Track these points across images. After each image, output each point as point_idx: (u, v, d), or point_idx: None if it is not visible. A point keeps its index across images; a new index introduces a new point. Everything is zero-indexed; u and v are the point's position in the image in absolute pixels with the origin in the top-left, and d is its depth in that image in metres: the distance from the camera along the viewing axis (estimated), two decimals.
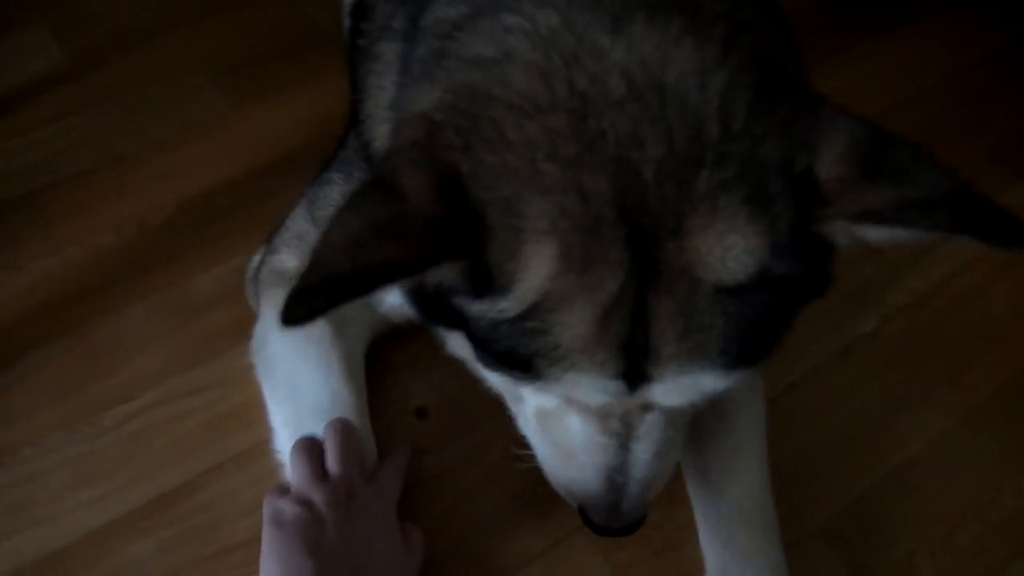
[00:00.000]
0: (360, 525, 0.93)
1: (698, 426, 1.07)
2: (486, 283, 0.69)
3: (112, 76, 1.58)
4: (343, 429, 1.00)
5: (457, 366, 1.07)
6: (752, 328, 0.71)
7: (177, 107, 1.53)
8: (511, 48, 0.72)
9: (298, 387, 1.08)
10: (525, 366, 0.73)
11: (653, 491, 0.88)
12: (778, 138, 0.68)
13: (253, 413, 1.13)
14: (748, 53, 0.71)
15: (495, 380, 0.88)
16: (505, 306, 0.70)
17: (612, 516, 0.87)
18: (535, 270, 0.68)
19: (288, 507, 0.92)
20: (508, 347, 0.73)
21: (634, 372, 0.72)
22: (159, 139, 1.48)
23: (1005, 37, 1.83)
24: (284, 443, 1.07)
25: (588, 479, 0.85)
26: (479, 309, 0.72)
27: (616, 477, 0.84)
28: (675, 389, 0.74)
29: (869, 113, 1.67)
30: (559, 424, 0.85)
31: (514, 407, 0.94)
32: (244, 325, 1.18)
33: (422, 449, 1.13)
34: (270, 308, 1.14)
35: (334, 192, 1.11)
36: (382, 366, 1.19)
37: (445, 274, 0.69)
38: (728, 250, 0.67)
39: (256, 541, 1.03)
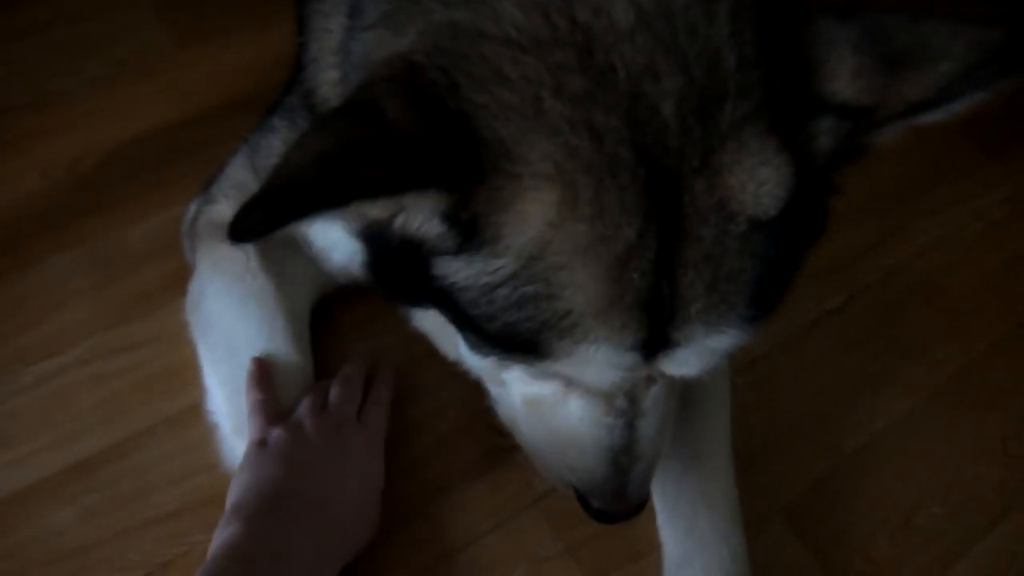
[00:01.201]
0: (341, 458, 0.93)
1: None
2: (473, 232, 0.62)
3: (49, 7, 1.46)
4: (354, 374, 1.03)
5: (408, 330, 1.01)
6: (776, 269, 0.66)
7: (118, 43, 1.43)
8: None
9: (237, 346, 1.01)
10: (529, 346, 0.65)
11: (654, 466, 0.83)
12: (790, 63, 0.64)
13: (187, 374, 1.06)
14: None
15: (477, 364, 0.82)
16: (498, 264, 0.63)
17: (618, 500, 0.82)
18: (533, 218, 0.61)
19: (276, 431, 0.92)
20: (508, 323, 0.65)
21: (655, 338, 0.65)
22: (96, 76, 1.38)
23: (980, 14, 1.79)
24: (219, 404, 1.01)
25: (593, 465, 0.80)
26: (467, 274, 0.65)
27: (622, 459, 0.79)
28: (696, 354, 0.68)
29: None
30: (556, 411, 0.79)
31: (495, 391, 0.88)
32: (180, 280, 1.10)
33: None
34: (207, 261, 1.06)
35: (277, 141, 1.03)
36: (328, 328, 1.12)
37: (423, 218, 0.62)
38: (762, 184, 0.62)
39: (188, 511, 0.99)
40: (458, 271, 0.65)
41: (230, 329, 1.03)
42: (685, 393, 1.01)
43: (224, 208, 1.07)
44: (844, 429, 1.12)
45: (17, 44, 1.41)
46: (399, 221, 0.64)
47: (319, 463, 0.91)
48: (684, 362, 0.69)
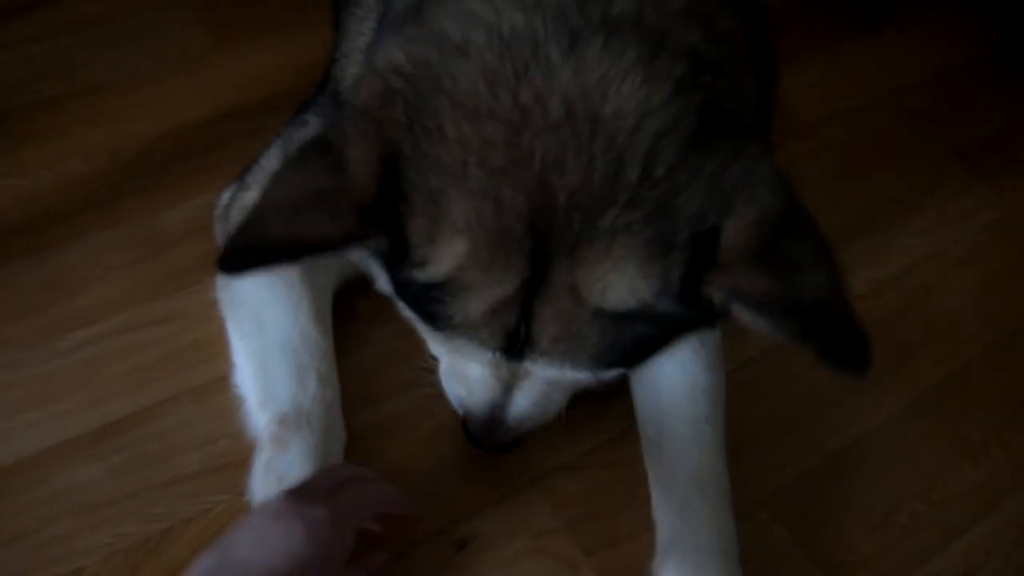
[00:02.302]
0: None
1: (659, 397, 1.09)
2: (402, 255, 0.75)
3: (96, 3, 1.54)
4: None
5: None
6: (627, 347, 0.78)
7: (160, 41, 1.51)
8: (471, 39, 0.74)
9: (265, 324, 1.07)
10: (428, 319, 0.82)
11: (527, 427, 0.96)
12: (699, 191, 0.71)
13: (213, 349, 1.12)
14: (700, 97, 0.73)
15: (407, 315, 0.92)
16: (416, 276, 0.76)
17: (487, 436, 0.96)
18: (447, 259, 0.74)
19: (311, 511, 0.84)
20: (416, 301, 0.81)
21: (513, 352, 0.81)
22: (139, 71, 1.45)
23: (983, 44, 1.87)
24: (245, 378, 1.07)
25: (475, 404, 0.93)
26: (402, 272, 0.78)
27: (497, 410, 0.92)
28: (548, 373, 0.84)
29: (843, 108, 1.72)
30: (461, 359, 0.91)
31: (425, 335, 0.97)
32: (209, 261, 1.10)
33: (381, 395, 1.13)
34: None
35: (309, 134, 1.11)
36: (346, 313, 1.18)
37: (373, 246, 0.76)
38: (609, 285, 0.73)
39: (210, 473, 1.05)
40: (399, 270, 0.78)
41: (258, 307, 1.09)
42: (682, 385, 1.08)
43: (256, 195, 1.14)
44: (831, 428, 1.18)
45: (64, 38, 1.49)
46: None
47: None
48: (542, 372, 0.84)
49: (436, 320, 0.80)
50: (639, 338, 0.78)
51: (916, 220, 1.49)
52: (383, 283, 0.90)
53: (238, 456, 1.02)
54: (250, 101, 1.42)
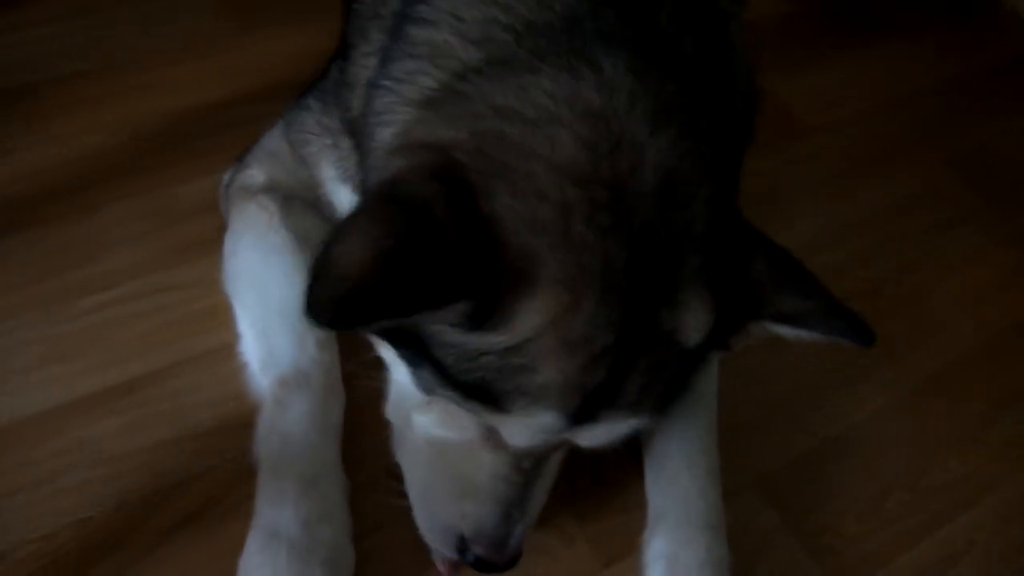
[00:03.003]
0: None
1: None
2: (484, 319, 0.72)
3: None
4: None
5: None
6: (676, 385, 0.84)
7: (181, 26, 1.56)
8: (554, 113, 0.77)
9: (264, 293, 1.12)
10: (494, 399, 0.77)
11: (531, 523, 0.93)
12: (734, 241, 0.82)
13: (223, 316, 1.16)
14: (721, 166, 0.85)
15: (403, 400, 0.92)
16: (494, 340, 0.74)
17: (498, 550, 0.90)
18: (541, 312, 0.73)
19: None
20: (484, 380, 0.76)
21: (585, 414, 0.78)
22: (161, 53, 1.50)
23: (983, 59, 1.92)
24: (249, 346, 1.11)
25: (486, 514, 0.88)
26: (462, 340, 0.75)
27: (515, 512, 0.89)
28: (607, 431, 0.82)
29: (847, 114, 1.76)
30: (464, 459, 0.88)
31: (398, 432, 0.97)
32: (222, 234, 1.20)
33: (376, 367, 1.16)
34: (238, 220, 1.18)
35: (310, 119, 1.16)
36: None
37: (461, 308, 0.70)
38: (699, 323, 0.79)
39: (219, 432, 1.08)
40: (452, 335, 0.75)
41: (257, 278, 1.13)
42: None
43: (255, 172, 1.20)
44: (823, 417, 1.22)
45: (85, 19, 1.54)
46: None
47: None
48: (596, 436, 0.83)
49: (511, 395, 0.76)
50: (684, 376, 0.85)
51: (912, 223, 1.54)
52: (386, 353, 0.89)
53: (246, 417, 1.05)
54: (266, 85, 1.46)
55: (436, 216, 0.69)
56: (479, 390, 0.77)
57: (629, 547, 1.03)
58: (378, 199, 0.73)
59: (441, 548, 0.94)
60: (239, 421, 1.07)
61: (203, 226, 1.26)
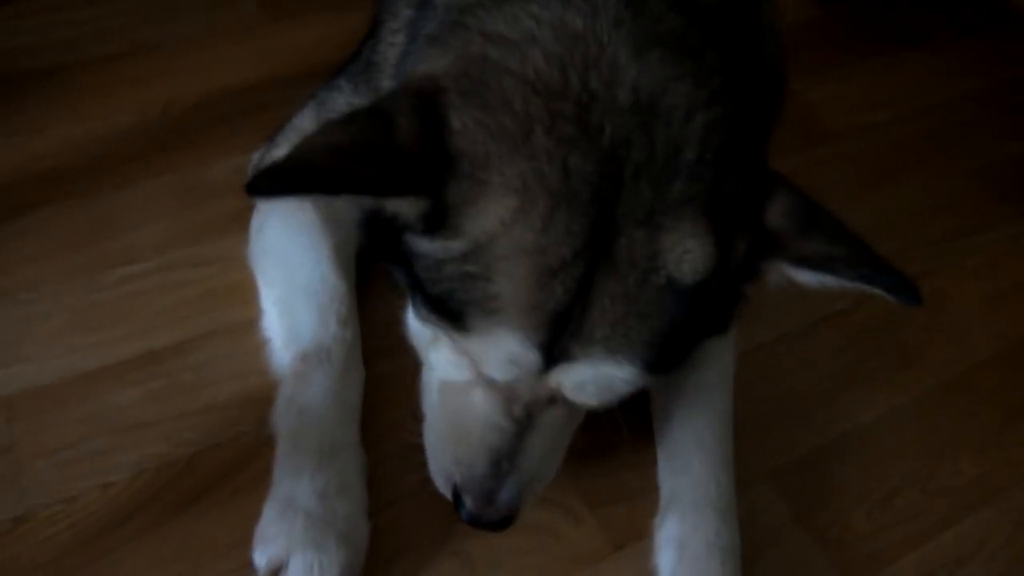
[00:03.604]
0: None
1: None
2: (439, 223, 0.77)
3: None
4: None
5: None
6: (677, 332, 0.81)
7: (214, 11, 1.59)
8: (536, 35, 0.81)
9: (290, 270, 1.14)
10: (456, 315, 0.79)
11: (531, 492, 0.92)
12: (745, 182, 0.81)
13: (248, 293, 1.18)
14: (732, 109, 0.83)
15: (418, 336, 0.94)
16: (452, 247, 0.77)
17: (487, 504, 0.89)
18: (491, 215, 0.75)
19: None
20: (447, 290, 0.79)
21: (557, 348, 0.78)
22: (192, 37, 1.54)
23: (1010, 71, 1.92)
24: (272, 322, 1.13)
25: (476, 460, 0.88)
26: (427, 248, 0.79)
27: (504, 463, 0.88)
28: (592, 379, 0.81)
29: (870, 121, 1.76)
30: (462, 398, 0.89)
31: (424, 377, 0.99)
32: (251, 213, 1.22)
33: (405, 347, 1.17)
34: (266, 203, 1.18)
35: (341, 99, 1.18)
36: (374, 271, 1.23)
37: (404, 208, 0.77)
38: (687, 252, 0.78)
39: (240, 405, 1.10)
40: (420, 244, 0.80)
41: (284, 255, 1.15)
42: (694, 354, 1.12)
43: (284, 152, 1.20)
44: (836, 414, 1.22)
45: (117, 3, 1.58)
46: (388, 206, 0.79)
47: None
48: (580, 383, 0.82)
49: (470, 310, 0.78)
50: (686, 323, 0.80)
51: (933, 231, 1.54)
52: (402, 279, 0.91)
53: (266, 391, 1.07)
54: (297, 70, 1.49)
55: (398, 125, 0.75)
56: (444, 305, 0.79)
57: (640, 531, 1.04)
58: (354, 113, 0.80)
59: (445, 494, 0.94)
60: (260, 395, 1.09)
61: (231, 204, 1.28)
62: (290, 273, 1.13)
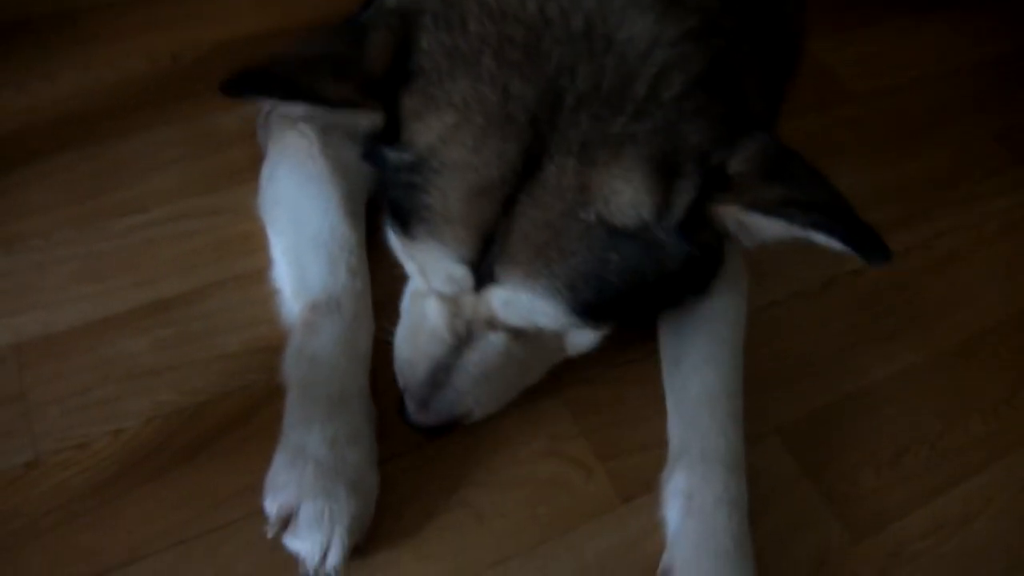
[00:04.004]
0: None
1: (681, 318, 1.13)
2: (396, 134, 0.82)
3: None
4: None
5: None
6: (608, 278, 0.81)
7: None
8: None
9: (299, 219, 1.13)
10: (404, 223, 0.85)
11: (468, 407, 0.97)
12: (705, 126, 0.79)
13: (258, 242, 1.17)
14: (709, 52, 0.81)
15: (393, 244, 0.96)
16: (404, 157, 0.82)
17: (421, 409, 0.96)
18: (432, 129, 0.80)
19: None
20: (397, 197, 0.85)
21: (483, 268, 0.82)
22: None
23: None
24: (281, 272, 1.12)
25: (417, 365, 0.95)
26: (389, 156, 0.84)
27: (440, 374, 0.94)
28: (514, 304, 0.84)
29: (893, 82, 1.73)
30: (421, 306, 0.95)
31: (400, 255, 1.01)
32: (260, 164, 1.21)
33: None
34: (277, 147, 1.18)
35: None
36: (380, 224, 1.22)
37: (362, 121, 0.83)
38: (616, 192, 0.78)
39: (249, 354, 1.10)
40: (385, 152, 0.85)
41: (293, 205, 1.14)
42: (705, 308, 1.12)
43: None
44: (847, 372, 1.22)
45: None
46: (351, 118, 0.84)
47: None
48: (505, 305, 0.85)
49: (411, 218, 0.83)
50: (623, 270, 0.80)
51: (950, 194, 1.52)
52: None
53: (276, 341, 1.07)
54: (310, 19, 1.47)
55: (370, 40, 0.81)
56: (397, 212, 0.86)
57: (648, 484, 1.04)
58: (338, 25, 0.86)
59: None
60: (269, 344, 1.09)
61: (241, 153, 1.28)
62: (299, 223, 1.12)
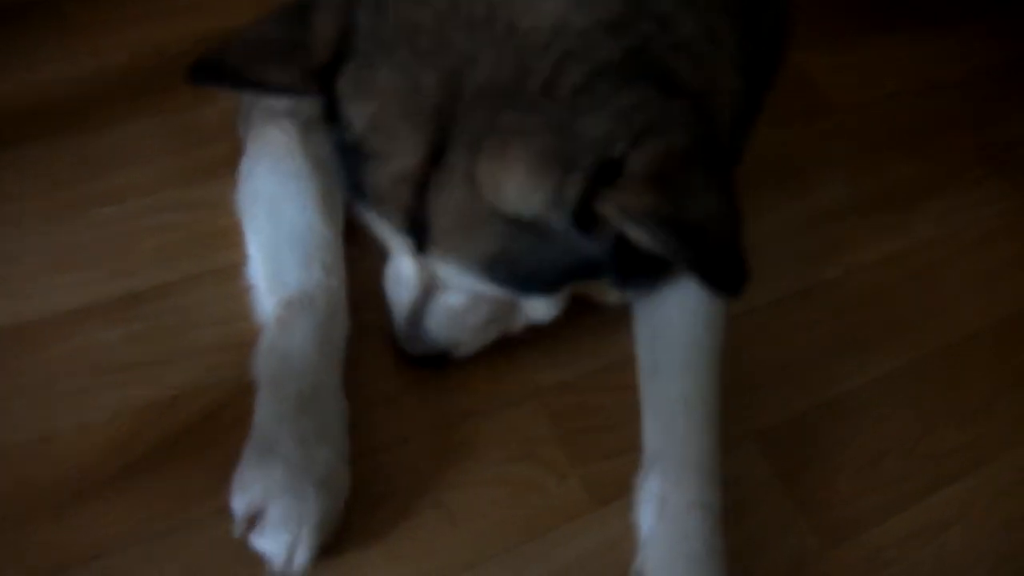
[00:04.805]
0: None
1: (659, 322, 1.13)
2: (336, 114, 0.84)
3: None
4: None
5: None
6: (521, 259, 0.84)
7: None
8: None
9: (277, 216, 1.11)
10: (358, 192, 0.89)
11: (446, 345, 1.03)
12: (605, 119, 0.77)
13: (235, 237, 1.15)
14: (631, 40, 0.80)
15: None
16: (347, 136, 0.85)
17: (407, 341, 1.04)
18: (361, 118, 0.83)
19: None
20: (347, 169, 0.88)
21: (419, 240, 0.87)
22: None
23: (1014, 51, 1.89)
24: (257, 268, 1.11)
25: (397, 307, 1.03)
26: (336, 135, 0.87)
27: (415, 315, 1.00)
28: (448, 272, 0.90)
29: (875, 94, 1.74)
30: (394, 260, 1.01)
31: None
32: (240, 159, 1.20)
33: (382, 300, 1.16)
34: (257, 142, 1.17)
35: None
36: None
37: (306, 104, 0.90)
38: (501, 184, 0.79)
39: (223, 350, 1.08)
40: (334, 132, 0.87)
41: (271, 202, 1.13)
42: (683, 312, 1.12)
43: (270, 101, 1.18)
44: (825, 379, 1.21)
45: None
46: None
47: None
48: (444, 273, 0.91)
49: (360, 191, 0.88)
50: (534, 252, 0.83)
51: (931, 204, 1.52)
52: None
53: (250, 337, 1.05)
54: None
55: (314, 21, 0.83)
56: (348, 176, 0.89)
57: (623, 488, 1.03)
58: (286, 7, 0.86)
59: None
60: (243, 339, 1.07)
61: (221, 149, 1.25)
62: (277, 219, 1.11)
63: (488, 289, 0.91)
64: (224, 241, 1.17)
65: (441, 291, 0.98)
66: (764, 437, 1.13)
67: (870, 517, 1.09)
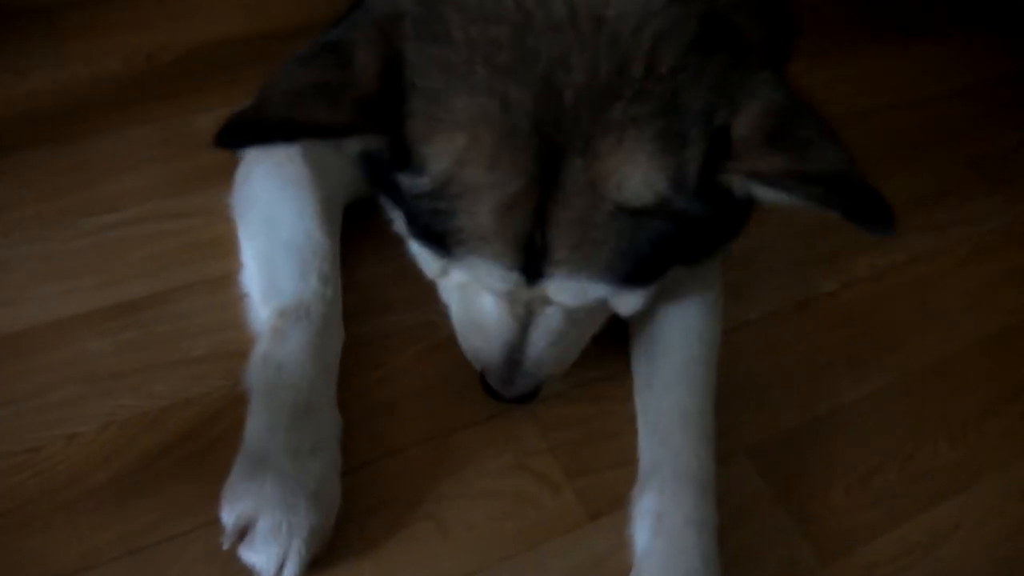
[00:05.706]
0: None
1: (654, 335, 1.12)
2: (404, 159, 0.78)
3: None
4: None
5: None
6: (643, 251, 0.80)
7: None
8: None
9: (274, 223, 1.11)
10: (439, 243, 0.83)
11: (546, 373, 0.99)
12: (703, 90, 0.76)
13: (230, 246, 1.15)
14: (700, 7, 0.78)
15: (419, 255, 0.94)
16: (420, 183, 0.79)
17: (506, 385, 0.98)
18: (445, 154, 0.76)
19: None
20: (425, 223, 0.82)
21: (531, 268, 0.82)
22: None
23: (1006, 66, 1.90)
24: (251, 275, 1.10)
25: (491, 350, 0.96)
26: (405, 183, 0.81)
27: (514, 354, 0.94)
28: (567, 290, 0.84)
29: (868, 107, 1.74)
30: (474, 299, 0.94)
31: (440, 282, 1.00)
32: (236, 165, 1.20)
33: (386, 308, 1.16)
34: (253, 151, 1.15)
35: None
36: (360, 228, 1.21)
37: (371, 143, 0.79)
38: (625, 177, 0.76)
39: (215, 359, 1.08)
40: (402, 181, 0.81)
41: (268, 208, 1.12)
42: (678, 325, 1.12)
43: None
44: (818, 393, 1.21)
45: None
46: (355, 143, 0.80)
47: None
48: (559, 293, 0.85)
49: (446, 240, 0.81)
50: (656, 240, 0.80)
51: (924, 218, 1.52)
52: (398, 226, 0.94)
53: (242, 347, 1.05)
54: (292, 24, 1.46)
55: (356, 60, 0.75)
56: (428, 233, 0.83)
57: (617, 501, 1.03)
58: (316, 49, 0.78)
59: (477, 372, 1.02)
60: (235, 349, 1.07)
61: (214, 157, 1.22)
62: (273, 226, 1.10)
63: (601, 292, 0.85)
64: (217, 250, 1.16)
65: (538, 316, 0.92)
66: (757, 451, 1.13)
67: (863, 532, 1.08)
